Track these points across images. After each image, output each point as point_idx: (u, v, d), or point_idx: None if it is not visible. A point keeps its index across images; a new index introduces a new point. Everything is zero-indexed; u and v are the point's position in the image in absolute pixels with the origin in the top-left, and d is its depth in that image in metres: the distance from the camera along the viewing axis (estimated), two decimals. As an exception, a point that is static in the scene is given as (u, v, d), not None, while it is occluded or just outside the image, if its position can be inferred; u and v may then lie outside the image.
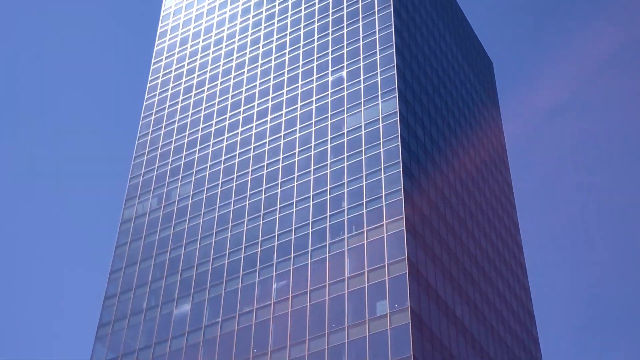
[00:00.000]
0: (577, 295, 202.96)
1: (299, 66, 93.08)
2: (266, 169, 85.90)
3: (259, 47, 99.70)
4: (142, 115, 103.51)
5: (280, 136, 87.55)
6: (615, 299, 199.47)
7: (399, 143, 77.52)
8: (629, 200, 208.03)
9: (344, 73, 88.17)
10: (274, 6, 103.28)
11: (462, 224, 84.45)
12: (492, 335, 79.77)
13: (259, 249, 78.81)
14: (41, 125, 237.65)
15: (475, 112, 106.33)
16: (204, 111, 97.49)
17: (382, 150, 78.37)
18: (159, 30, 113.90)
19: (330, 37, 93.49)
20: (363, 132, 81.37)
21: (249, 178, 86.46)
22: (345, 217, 75.59)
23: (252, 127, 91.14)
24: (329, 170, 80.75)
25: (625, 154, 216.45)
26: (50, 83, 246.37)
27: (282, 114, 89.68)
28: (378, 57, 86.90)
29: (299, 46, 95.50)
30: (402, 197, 73.15)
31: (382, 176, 76.30)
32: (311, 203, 79.24)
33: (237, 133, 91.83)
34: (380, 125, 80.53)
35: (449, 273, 75.78)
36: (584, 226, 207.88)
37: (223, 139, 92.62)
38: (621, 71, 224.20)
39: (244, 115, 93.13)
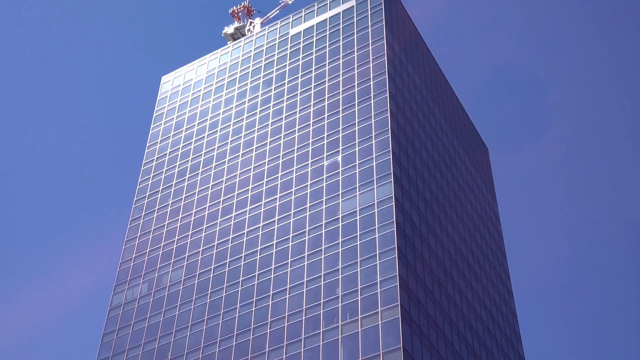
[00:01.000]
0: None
1: (294, 150, 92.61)
2: (259, 254, 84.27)
3: (254, 130, 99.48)
4: (134, 199, 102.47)
5: (275, 221, 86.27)
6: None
7: (395, 229, 76.23)
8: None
9: (339, 158, 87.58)
10: (270, 90, 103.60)
11: (459, 312, 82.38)
12: None
13: (251, 337, 76.48)
14: (36, 201, 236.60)
15: (472, 198, 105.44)
16: (198, 195, 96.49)
17: (377, 235, 77.01)
18: (155, 114, 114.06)
19: (325, 122, 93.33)
20: (358, 217, 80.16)
21: (242, 263, 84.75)
22: (340, 304, 73.63)
23: (245, 211, 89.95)
24: (323, 256, 79.16)
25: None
26: (46, 163, 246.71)
27: (276, 199, 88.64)
28: (374, 141, 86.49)
29: (295, 130, 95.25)
30: (398, 283, 71.41)
31: (378, 262, 74.70)
32: (305, 289, 77.36)
33: (231, 217, 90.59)
34: (376, 210, 79.39)
35: (446, 363, 73.37)
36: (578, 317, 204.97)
37: (216, 223, 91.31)
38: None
39: (238, 199, 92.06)
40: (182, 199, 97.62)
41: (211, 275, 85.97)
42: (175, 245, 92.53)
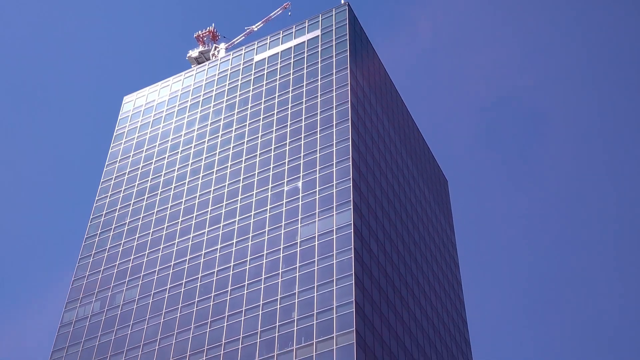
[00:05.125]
0: None
1: (254, 174, 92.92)
2: (216, 276, 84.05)
3: (215, 153, 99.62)
4: (91, 217, 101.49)
5: (233, 243, 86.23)
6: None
7: (352, 255, 76.84)
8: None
9: (300, 183, 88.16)
10: (233, 114, 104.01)
11: (413, 339, 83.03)
12: None
13: (204, 358, 75.98)
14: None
15: (430, 228, 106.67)
16: (156, 215, 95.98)
17: (335, 262, 77.50)
18: (115, 133, 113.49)
19: (287, 147, 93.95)
20: (317, 242, 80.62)
21: (198, 284, 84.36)
22: (295, 328, 73.72)
23: (204, 232, 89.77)
24: (280, 280, 79.30)
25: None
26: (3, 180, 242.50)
27: (235, 221, 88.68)
28: (334, 169, 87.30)
29: (256, 155, 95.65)
30: (354, 309, 71.84)
31: (334, 288, 75.09)
32: (260, 312, 77.30)
33: (189, 238, 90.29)
34: (334, 236, 79.96)
35: (399, 390, 73.74)
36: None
37: (174, 243, 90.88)
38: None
39: (197, 220, 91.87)
40: (139, 218, 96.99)
41: (166, 295, 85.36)
42: (130, 264, 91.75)
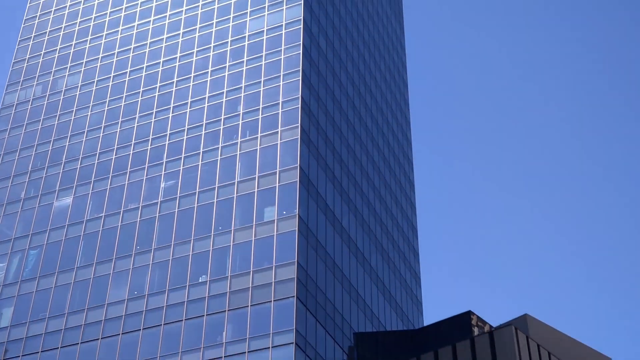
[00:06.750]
0: (460, 212, 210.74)
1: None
2: (162, 67, 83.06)
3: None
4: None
5: (179, 34, 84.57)
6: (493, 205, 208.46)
7: (301, 51, 76.40)
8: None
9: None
10: None
11: (356, 137, 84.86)
12: (376, 246, 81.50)
13: (149, 147, 76.76)
14: None
15: (380, 27, 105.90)
16: (98, 0, 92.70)
17: (282, 57, 77.11)
18: None
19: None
20: (265, 37, 79.66)
21: (143, 74, 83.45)
22: (240, 122, 74.44)
23: (149, 21, 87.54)
24: (227, 73, 78.92)
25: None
26: None
27: (182, 11, 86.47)
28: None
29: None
30: (300, 105, 72.52)
31: (281, 83, 75.25)
32: (206, 105, 77.49)
33: (133, 27, 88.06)
34: (283, 31, 78.99)
35: (340, 184, 76.36)
36: (478, 145, 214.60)
37: (117, 31, 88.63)
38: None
39: (142, 8, 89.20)
40: (80, 2, 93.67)
41: (110, 84, 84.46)
42: (72, 50, 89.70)
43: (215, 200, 69.78)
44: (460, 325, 77.80)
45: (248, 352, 60.13)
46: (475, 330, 77.51)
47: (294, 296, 61.25)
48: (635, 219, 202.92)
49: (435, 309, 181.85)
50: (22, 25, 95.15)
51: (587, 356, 76.57)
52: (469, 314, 78.53)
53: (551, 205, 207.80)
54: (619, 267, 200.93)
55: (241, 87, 76.94)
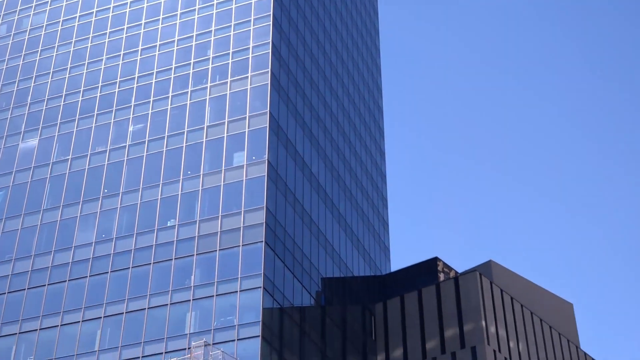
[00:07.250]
0: (429, 160, 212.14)
1: None
2: (129, 8, 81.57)
3: None
4: None
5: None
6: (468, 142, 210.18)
7: (272, -5, 75.40)
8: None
9: None
10: None
11: (327, 83, 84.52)
12: (345, 193, 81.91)
13: (117, 90, 75.78)
14: None
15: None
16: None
17: (253, 1, 76.11)
18: None
19: None
20: (235, -20, 78.41)
21: (110, 15, 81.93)
22: (210, 66, 73.68)
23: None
24: (196, 16, 77.79)
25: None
26: None
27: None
28: None
29: None
30: (270, 50, 71.90)
31: (252, 28, 74.42)
32: (175, 48, 76.48)
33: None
34: (254, -25, 77.78)
35: (309, 130, 76.27)
36: (448, 90, 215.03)
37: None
38: None
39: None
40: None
41: (76, 24, 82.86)
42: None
43: (184, 145, 69.40)
44: (427, 271, 79.00)
45: (216, 295, 60.52)
46: (441, 276, 78.75)
47: (262, 241, 61.56)
48: (597, 162, 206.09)
49: (402, 255, 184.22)
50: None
51: (549, 301, 78.39)
52: (435, 260, 79.71)
53: (517, 153, 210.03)
54: (581, 214, 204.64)
55: (211, 31, 75.96)
